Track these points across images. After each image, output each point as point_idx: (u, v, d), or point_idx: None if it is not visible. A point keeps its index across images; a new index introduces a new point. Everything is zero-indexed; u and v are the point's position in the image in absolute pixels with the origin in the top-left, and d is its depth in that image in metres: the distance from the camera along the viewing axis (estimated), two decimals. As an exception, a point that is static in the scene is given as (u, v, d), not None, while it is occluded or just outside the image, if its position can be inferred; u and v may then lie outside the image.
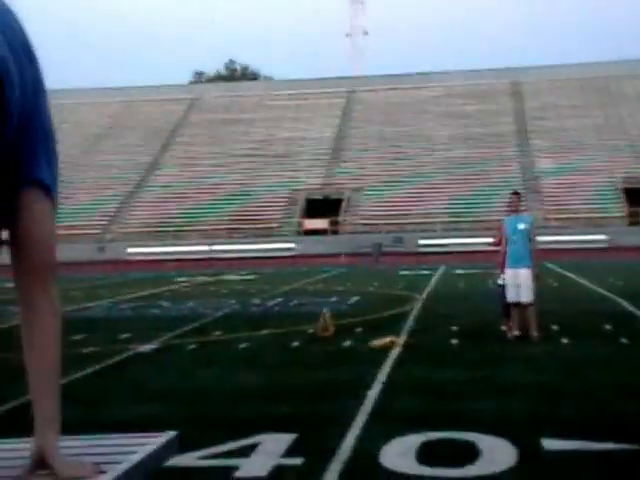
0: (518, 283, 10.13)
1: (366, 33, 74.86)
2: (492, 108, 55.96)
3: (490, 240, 11.99)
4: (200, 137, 55.88)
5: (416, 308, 14.21)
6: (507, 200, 11.07)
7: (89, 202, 48.20)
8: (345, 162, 51.34)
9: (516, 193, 10.71)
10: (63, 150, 47.86)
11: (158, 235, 45.34)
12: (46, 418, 1.53)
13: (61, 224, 40.88)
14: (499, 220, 11.27)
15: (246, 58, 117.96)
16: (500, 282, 10.69)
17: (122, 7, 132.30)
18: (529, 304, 10.18)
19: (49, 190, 1.42)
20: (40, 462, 1.61)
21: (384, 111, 57.08)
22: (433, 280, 21.84)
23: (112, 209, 48.36)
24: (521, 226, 10.23)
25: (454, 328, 11.18)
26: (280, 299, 16.97)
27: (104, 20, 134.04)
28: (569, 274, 22.02)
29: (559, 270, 23.26)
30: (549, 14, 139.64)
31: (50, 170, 1.44)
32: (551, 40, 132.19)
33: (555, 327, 10.96)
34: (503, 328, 10.57)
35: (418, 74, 61.07)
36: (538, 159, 49.31)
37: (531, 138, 51.98)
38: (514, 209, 10.46)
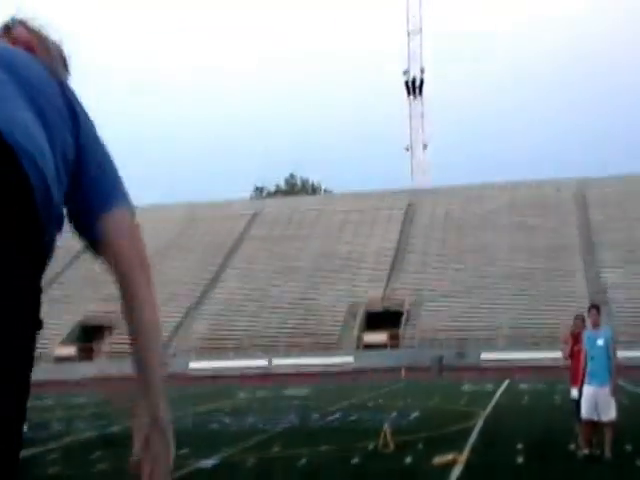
0: (597, 400, 9.85)
1: (426, 146, 76.33)
2: (556, 219, 55.86)
3: (560, 354, 11.82)
4: (261, 251, 56.92)
5: (479, 424, 13.96)
6: (576, 313, 11.05)
7: (150, 315, 49.01)
8: (405, 274, 51.47)
9: (595, 307, 10.48)
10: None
11: (219, 349, 45.66)
12: (156, 390, 1.53)
13: (122, 339, 41.65)
14: (567, 333, 11.13)
15: (306, 171, 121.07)
16: (574, 396, 10.45)
17: (182, 127, 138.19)
18: (610, 422, 9.87)
19: (128, 205, 1.58)
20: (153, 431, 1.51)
21: (444, 223, 57.48)
22: (497, 395, 21.40)
23: (174, 323, 49.09)
24: (600, 342, 10.00)
25: (519, 445, 10.95)
26: (339, 414, 16.85)
27: (166, 137, 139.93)
28: (641, 390, 21.35)
29: (631, 387, 22.59)
30: (611, 124, 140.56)
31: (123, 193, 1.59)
32: (615, 150, 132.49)
33: (629, 447, 10.64)
34: (572, 447, 10.32)
35: (479, 185, 61.67)
36: (605, 271, 48.65)
37: (597, 250, 51.48)
38: (593, 323, 10.27)
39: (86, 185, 1.54)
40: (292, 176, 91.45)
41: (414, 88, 76.69)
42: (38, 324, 1.36)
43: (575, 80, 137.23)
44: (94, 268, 37.16)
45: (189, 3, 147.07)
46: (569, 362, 10.74)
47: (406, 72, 77.26)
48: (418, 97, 76.77)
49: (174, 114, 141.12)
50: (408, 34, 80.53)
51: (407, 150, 76.64)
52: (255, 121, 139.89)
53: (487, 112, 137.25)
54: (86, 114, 1.59)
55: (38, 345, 1.36)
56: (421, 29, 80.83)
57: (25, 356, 1.32)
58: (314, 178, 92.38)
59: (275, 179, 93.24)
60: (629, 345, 39.46)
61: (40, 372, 12.61)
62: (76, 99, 1.57)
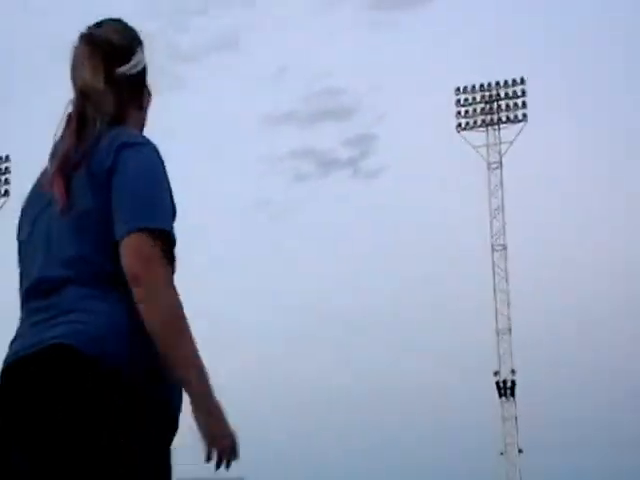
0: None
1: (521, 451, 75.74)
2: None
3: None
4: None
5: None
6: None
7: None
8: None
9: None
10: None
11: None
12: (201, 409, 1.76)
13: None
14: None
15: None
16: None
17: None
18: None
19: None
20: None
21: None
22: None
23: None
24: None
25: None
26: None
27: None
28: None
29: None
30: None
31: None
32: None
33: None
34: None
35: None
36: None
37: None
38: None
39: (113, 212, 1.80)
40: None
41: (505, 390, 77.85)
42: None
43: None
44: None
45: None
46: None
47: (497, 373, 78.74)
48: (510, 399, 77.66)
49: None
50: (497, 333, 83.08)
51: (501, 454, 76.13)
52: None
53: (579, 415, 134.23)
54: (124, 160, 1.84)
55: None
56: (510, 329, 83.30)
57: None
58: None
59: None
60: None
61: None
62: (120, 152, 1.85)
